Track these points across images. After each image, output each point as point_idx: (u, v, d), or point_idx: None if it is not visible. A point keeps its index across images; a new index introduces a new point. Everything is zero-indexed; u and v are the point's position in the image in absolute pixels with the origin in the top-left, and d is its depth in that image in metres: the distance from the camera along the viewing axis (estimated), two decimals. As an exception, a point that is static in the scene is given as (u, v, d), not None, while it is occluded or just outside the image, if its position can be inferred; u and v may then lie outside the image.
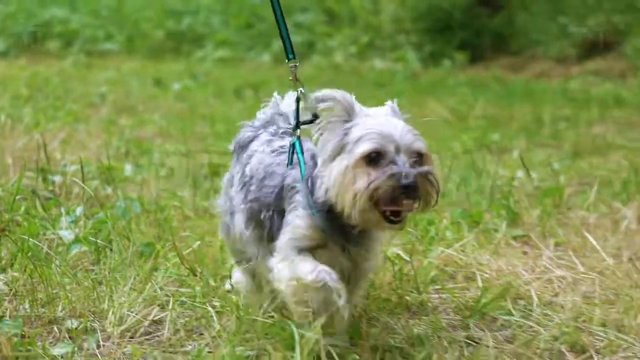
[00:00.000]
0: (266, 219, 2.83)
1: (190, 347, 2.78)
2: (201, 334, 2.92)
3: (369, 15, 17.18)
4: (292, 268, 2.66)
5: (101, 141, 6.33)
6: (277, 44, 15.63)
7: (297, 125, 2.93)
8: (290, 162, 2.83)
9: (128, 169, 5.43)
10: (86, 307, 3.02)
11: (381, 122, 2.70)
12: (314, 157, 2.78)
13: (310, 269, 2.63)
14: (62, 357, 2.60)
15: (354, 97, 2.76)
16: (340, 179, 2.63)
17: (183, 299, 3.16)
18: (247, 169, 2.97)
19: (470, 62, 15.10)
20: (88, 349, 2.72)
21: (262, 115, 3.20)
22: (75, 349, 2.66)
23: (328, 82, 11.56)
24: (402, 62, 14.97)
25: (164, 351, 2.76)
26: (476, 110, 9.78)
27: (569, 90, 12.00)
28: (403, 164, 2.60)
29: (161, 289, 3.21)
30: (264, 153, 2.97)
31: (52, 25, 16.07)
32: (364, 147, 2.62)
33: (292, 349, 2.54)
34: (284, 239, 2.74)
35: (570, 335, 3.03)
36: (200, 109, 9.21)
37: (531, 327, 3.16)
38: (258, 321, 2.82)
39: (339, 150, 2.66)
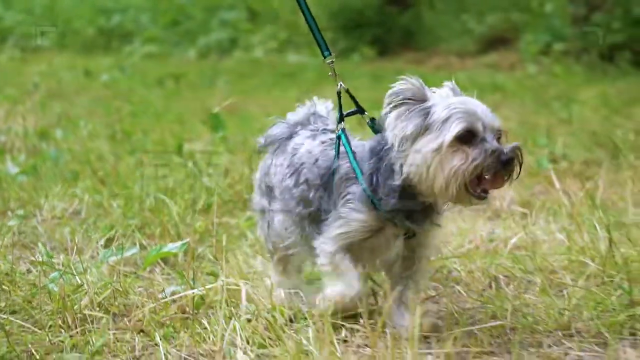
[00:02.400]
0: (315, 199, 2.93)
1: (100, 223, 4.21)
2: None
3: (288, 14, 18.34)
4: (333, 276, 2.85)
5: (36, 116, 7.67)
6: (203, 41, 16.72)
7: (342, 117, 3.03)
8: (338, 154, 2.90)
9: (59, 133, 6.80)
10: (29, 201, 4.44)
11: (463, 102, 2.74)
12: (372, 150, 2.84)
13: (340, 291, 2.80)
14: (15, 226, 4.02)
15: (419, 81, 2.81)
16: (433, 158, 2.66)
17: (95, 198, 4.58)
18: (296, 158, 3.06)
19: (379, 56, 16.42)
20: (32, 224, 4.15)
21: (294, 115, 3.30)
22: (23, 221, 4.09)
23: (245, 74, 12.96)
24: (316, 56, 16.19)
25: (81, 222, 4.20)
26: (366, 95, 11.18)
27: (456, 80, 13.38)
28: (492, 141, 2.67)
29: (81, 192, 4.64)
30: (311, 145, 3.06)
31: (-14, 23, 17.03)
32: (457, 127, 2.64)
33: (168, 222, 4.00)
34: (335, 230, 2.84)
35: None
36: (124, 95, 10.47)
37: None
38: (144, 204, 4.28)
39: (423, 131, 2.69)
